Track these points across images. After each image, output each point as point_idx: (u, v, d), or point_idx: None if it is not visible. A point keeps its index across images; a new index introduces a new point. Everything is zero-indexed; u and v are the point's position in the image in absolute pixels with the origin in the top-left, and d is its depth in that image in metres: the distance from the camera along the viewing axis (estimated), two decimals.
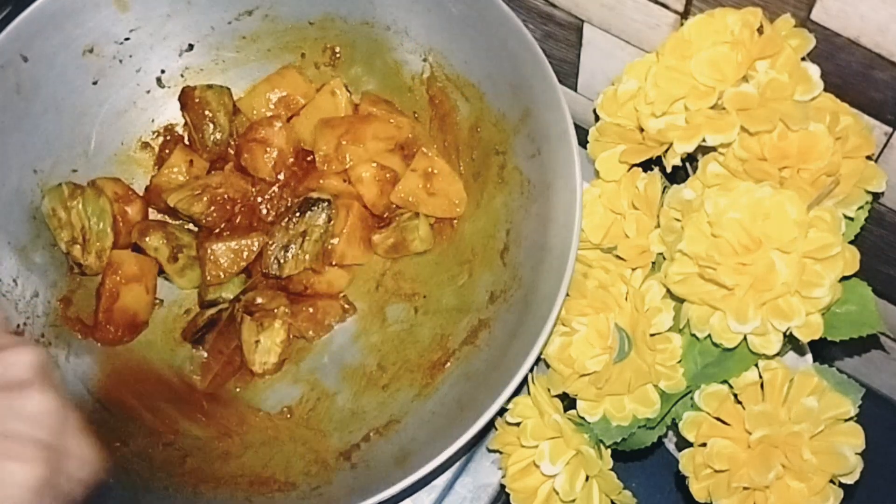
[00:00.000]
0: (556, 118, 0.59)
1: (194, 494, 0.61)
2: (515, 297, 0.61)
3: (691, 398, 0.55)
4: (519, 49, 0.61)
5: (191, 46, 0.72)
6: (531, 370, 0.55)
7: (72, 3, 0.66)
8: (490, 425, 0.59)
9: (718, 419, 0.53)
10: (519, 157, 0.64)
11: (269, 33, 0.73)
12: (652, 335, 0.54)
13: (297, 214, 0.68)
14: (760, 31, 0.52)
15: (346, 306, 0.70)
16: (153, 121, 0.73)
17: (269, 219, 0.71)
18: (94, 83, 0.70)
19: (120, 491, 0.60)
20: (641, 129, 0.55)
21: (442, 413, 0.61)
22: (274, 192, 0.71)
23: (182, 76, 0.73)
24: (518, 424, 0.58)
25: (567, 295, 0.56)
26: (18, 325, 0.65)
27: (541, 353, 0.55)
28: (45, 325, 0.66)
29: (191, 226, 0.72)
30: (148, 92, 0.73)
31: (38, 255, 0.68)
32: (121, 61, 0.70)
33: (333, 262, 0.70)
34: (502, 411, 0.57)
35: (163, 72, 0.73)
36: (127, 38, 0.70)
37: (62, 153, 0.69)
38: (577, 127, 0.58)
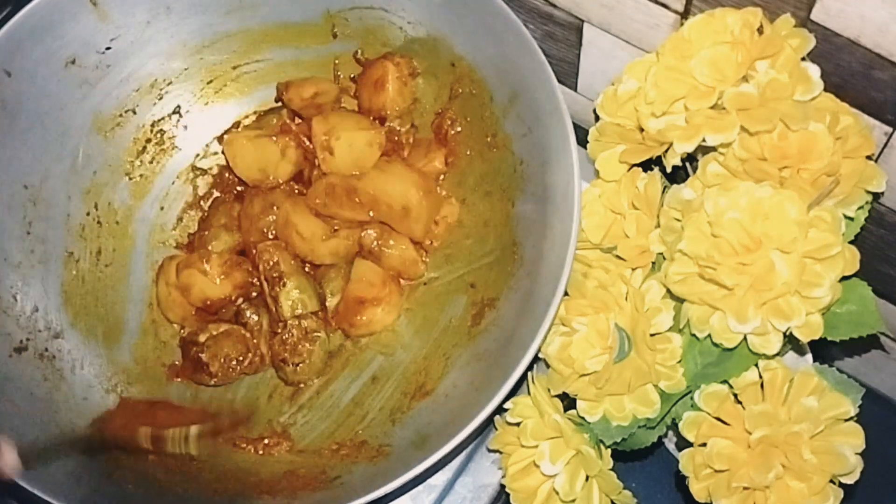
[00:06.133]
0: (547, 96, 0.59)
1: (213, 492, 0.62)
2: (519, 275, 0.62)
3: (691, 398, 0.55)
4: (504, 29, 0.61)
5: (172, 52, 0.72)
6: (538, 353, 0.55)
7: (50, 16, 0.65)
8: (490, 422, 0.59)
9: (718, 419, 0.53)
10: (510, 138, 0.64)
11: (249, 33, 0.72)
12: (652, 335, 0.54)
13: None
14: (760, 31, 0.52)
15: None
16: (140, 128, 0.73)
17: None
18: (79, 95, 0.69)
19: (139, 496, 0.60)
20: (641, 129, 0.55)
21: (455, 395, 0.61)
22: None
23: (165, 81, 0.73)
24: (518, 424, 0.58)
25: (567, 294, 0.56)
26: (21, 341, 0.64)
27: (550, 328, 0.55)
28: (48, 339, 0.66)
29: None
30: (132, 100, 0.72)
31: (34, 270, 0.67)
32: (103, 71, 0.70)
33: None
34: (511, 394, 0.57)
35: (146, 78, 0.72)
36: (108, 48, 0.69)
37: (51, 167, 0.68)
38: (577, 127, 0.58)
